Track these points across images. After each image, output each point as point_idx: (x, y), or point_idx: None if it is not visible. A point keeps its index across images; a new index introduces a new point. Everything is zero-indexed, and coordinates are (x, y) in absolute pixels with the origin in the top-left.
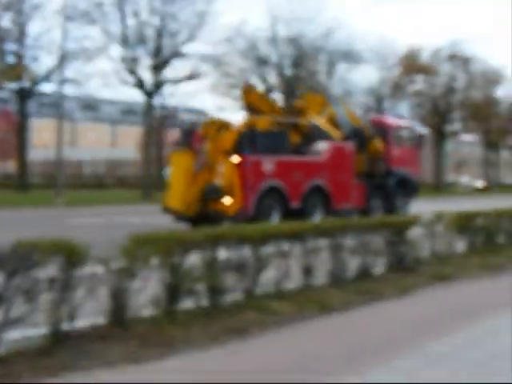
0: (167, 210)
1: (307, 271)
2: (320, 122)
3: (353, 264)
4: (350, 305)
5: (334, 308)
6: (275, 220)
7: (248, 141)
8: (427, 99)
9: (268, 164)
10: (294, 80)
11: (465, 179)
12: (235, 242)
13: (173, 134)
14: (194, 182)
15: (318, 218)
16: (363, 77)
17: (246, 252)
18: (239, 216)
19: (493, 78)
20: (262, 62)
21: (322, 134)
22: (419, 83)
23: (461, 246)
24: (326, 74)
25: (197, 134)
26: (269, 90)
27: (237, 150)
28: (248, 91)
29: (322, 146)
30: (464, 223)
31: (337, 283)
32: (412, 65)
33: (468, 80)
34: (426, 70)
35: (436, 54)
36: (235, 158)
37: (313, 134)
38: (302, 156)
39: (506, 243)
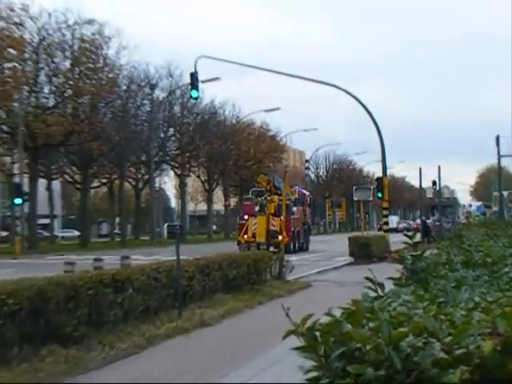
0: (244, 243)
1: None
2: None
3: None
4: None
5: None
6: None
7: (284, 207)
8: None
9: (294, 219)
10: None
11: None
12: None
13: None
14: (265, 229)
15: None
16: None
17: None
18: (287, 244)
19: None
20: None
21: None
22: None
23: None
24: None
25: (264, 206)
26: None
27: (280, 212)
28: (268, 181)
29: (295, 209)
30: None
31: None
32: None
33: None
34: None
35: None
36: (281, 217)
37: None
38: (295, 215)
39: None
